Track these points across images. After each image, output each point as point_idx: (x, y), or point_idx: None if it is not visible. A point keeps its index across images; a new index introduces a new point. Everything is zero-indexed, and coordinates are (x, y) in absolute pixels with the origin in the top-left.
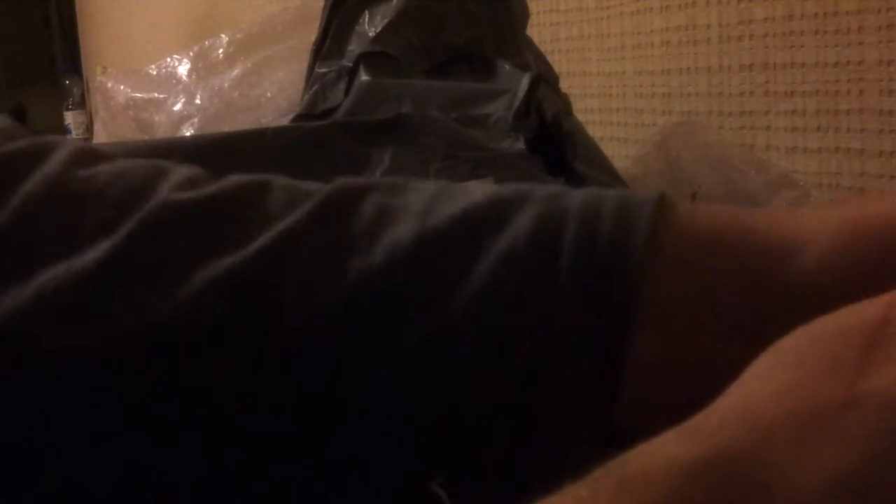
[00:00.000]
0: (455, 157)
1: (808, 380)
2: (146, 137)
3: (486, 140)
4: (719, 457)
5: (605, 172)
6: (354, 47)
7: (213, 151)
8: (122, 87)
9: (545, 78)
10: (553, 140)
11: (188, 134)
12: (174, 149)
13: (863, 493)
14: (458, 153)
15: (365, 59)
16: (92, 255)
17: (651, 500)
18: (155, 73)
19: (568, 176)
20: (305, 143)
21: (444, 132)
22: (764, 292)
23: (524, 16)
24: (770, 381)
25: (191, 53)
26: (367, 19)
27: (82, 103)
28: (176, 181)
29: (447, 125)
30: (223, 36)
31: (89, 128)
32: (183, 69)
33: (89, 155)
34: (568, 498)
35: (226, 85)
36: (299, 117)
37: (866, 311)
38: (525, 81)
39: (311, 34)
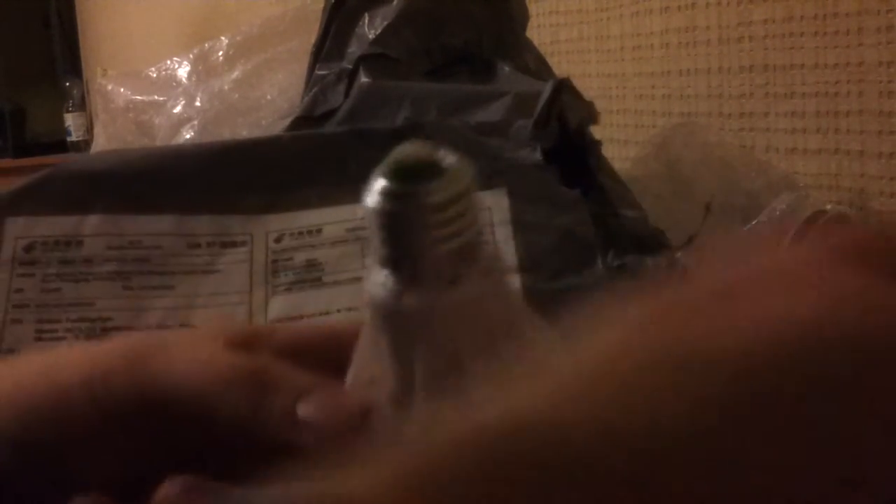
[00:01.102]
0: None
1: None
2: (146, 140)
3: (504, 149)
4: (529, 420)
5: (620, 182)
6: (354, 49)
7: (228, 157)
8: (122, 89)
9: (568, 85)
10: (574, 149)
11: (188, 136)
12: (190, 156)
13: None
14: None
15: (365, 60)
16: None
17: (456, 466)
18: (155, 75)
19: (589, 186)
20: (320, 149)
21: (460, 141)
22: None
23: (524, 17)
24: (590, 348)
25: (191, 56)
26: (366, 21)
27: (82, 105)
28: None
29: (464, 134)
30: (223, 38)
31: (89, 130)
32: (183, 71)
33: None
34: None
35: (226, 87)
36: (299, 119)
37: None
38: (548, 89)
39: (311, 36)
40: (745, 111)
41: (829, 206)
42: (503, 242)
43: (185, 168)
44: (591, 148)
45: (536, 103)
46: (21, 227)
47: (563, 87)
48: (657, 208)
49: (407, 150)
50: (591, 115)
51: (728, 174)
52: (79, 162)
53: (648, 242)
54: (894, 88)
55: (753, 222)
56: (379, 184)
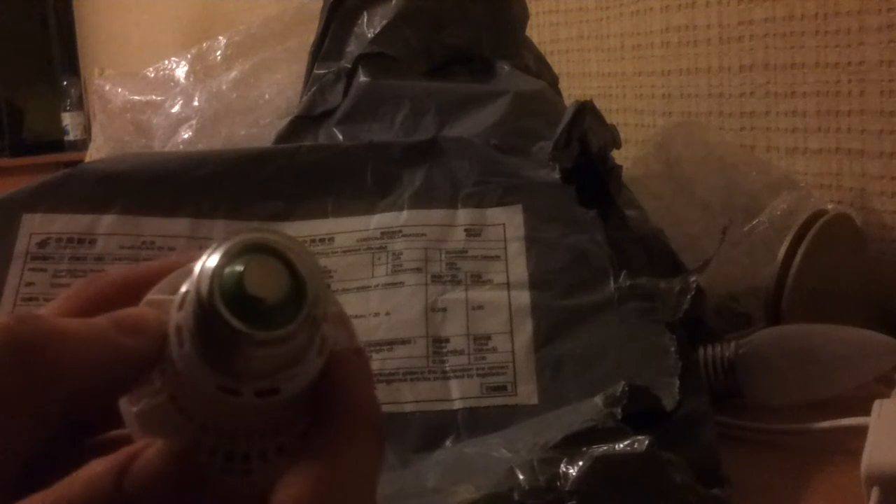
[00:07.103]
0: (486, 183)
1: None
2: (144, 140)
3: (522, 167)
4: None
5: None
6: (353, 48)
7: (247, 165)
8: (119, 89)
9: (591, 107)
10: (594, 171)
11: (186, 136)
12: (210, 162)
13: None
14: (489, 179)
15: (364, 60)
16: None
17: None
18: (153, 75)
19: (608, 210)
20: (337, 161)
21: (478, 157)
22: None
23: (524, 16)
24: None
25: (188, 55)
26: (365, 20)
27: (80, 104)
28: None
29: (482, 150)
30: (221, 38)
31: (87, 129)
32: (181, 71)
33: None
34: None
35: (224, 87)
36: (297, 119)
37: None
38: (570, 111)
39: (310, 35)
40: (746, 110)
41: (830, 206)
42: (515, 258)
43: (204, 173)
44: (612, 173)
45: (537, 103)
46: (37, 224)
47: (586, 110)
48: (657, 208)
49: (257, 266)
50: (613, 139)
51: (728, 174)
52: (98, 163)
53: (664, 266)
54: (895, 87)
55: (754, 222)
56: (214, 287)
